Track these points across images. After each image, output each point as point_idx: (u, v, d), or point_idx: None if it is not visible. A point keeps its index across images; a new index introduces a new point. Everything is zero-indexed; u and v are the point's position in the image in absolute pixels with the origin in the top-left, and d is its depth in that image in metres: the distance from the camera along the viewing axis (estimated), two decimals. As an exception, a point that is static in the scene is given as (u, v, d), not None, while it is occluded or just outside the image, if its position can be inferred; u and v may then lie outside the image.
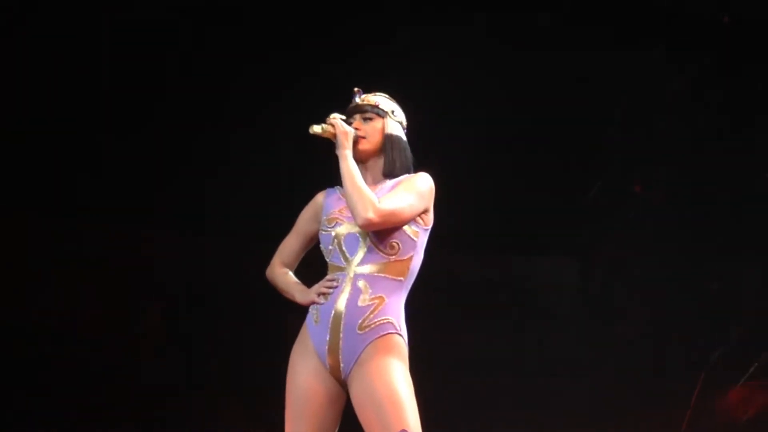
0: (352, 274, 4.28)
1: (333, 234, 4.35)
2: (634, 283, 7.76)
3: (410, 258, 4.31)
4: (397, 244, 4.29)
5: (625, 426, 7.55)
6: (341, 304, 4.26)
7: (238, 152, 7.59)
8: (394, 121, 4.44)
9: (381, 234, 4.27)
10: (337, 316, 4.26)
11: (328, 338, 4.27)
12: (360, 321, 4.24)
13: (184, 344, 7.77)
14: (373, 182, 4.41)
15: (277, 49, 7.54)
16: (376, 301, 4.25)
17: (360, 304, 4.25)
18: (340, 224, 4.34)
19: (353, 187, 4.24)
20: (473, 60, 7.52)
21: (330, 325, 4.27)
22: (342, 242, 4.32)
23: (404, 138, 4.45)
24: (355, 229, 4.31)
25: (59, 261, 7.69)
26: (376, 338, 4.23)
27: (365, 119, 4.40)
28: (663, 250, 7.73)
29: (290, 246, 4.51)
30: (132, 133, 7.63)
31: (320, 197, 4.51)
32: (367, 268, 4.28)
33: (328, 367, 4.29)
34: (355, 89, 4.46)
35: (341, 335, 4.25)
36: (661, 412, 7.54)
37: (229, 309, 7.67)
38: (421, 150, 4.49)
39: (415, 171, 4.45)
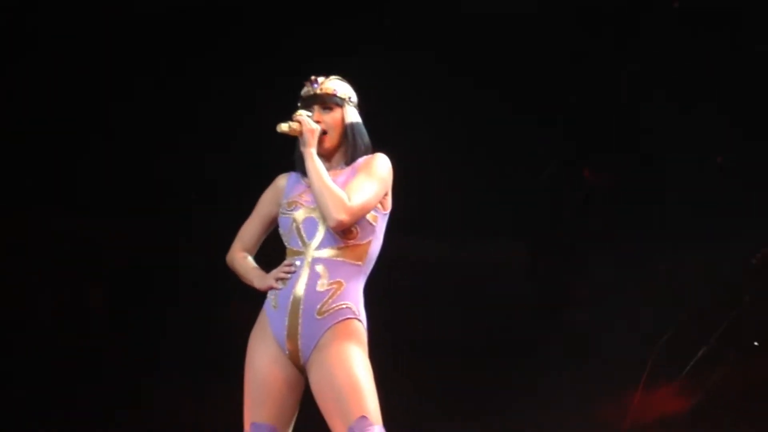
0: (310, 259, 4.30)
1: (291, 218, 4.36)
2: (584, 268, 7.78)
3: (369, 243, 4.34)
4: (356, 229, 4.32)
5: (573, 411, 7.58)
6: (300, 288, 4.27)
7: (222, 146, 7.54)
8: (352, 107, 4.46)
9: None
10: (296, 301, 4.27)
11: (286, 323, 4.28)
12: (319, 306, 4.25)
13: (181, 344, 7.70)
14: (334, 169, 4.42)
15: (267, 44, 7.51)
16: (335, 286, 4.27)
17: (318, 288, 4.26)
18: (299, 208, 4.36)
19: (322, 186, 4.25)
20: (425, 45, 7.53)
21: (289, 310, 4.28)
22: (300, 226, 4.34)
23: (360, 121, 4.47)
24: (314, 213, 4.33)
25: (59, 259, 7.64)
26: (335, 323, 4.25)
27: (325, 109, 4.42)
28: (613, 235, 7.76)
29: (250, 230, 4.53)
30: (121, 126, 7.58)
31: (282, 180, 4.53)
32: (326, 252, 4.29)
33: (287, 352, 4.30)
34: (312, 78, 4.46)
35: (300, 320, 4.26)
36: (609, 398, 7.58)
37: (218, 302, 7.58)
38: (372, 131, 4.51)
39: (376, 151, 4.47)
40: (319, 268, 4.28)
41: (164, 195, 7.64)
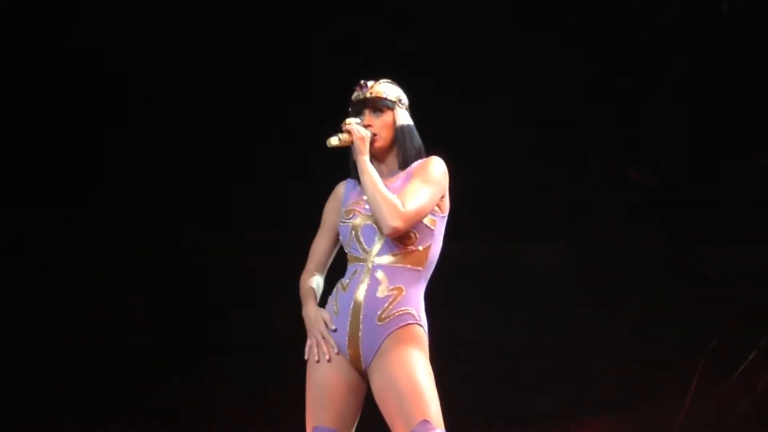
0: (370, 265, 4.28)
1: (350, 225, 4.35)
2: (632, 270, 7.73)
3: (428, 247, 4.31)
4: (414, 234, 4.29)
5: (624, 413, 7.54)
6: (360, 294, 4.26)
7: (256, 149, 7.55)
8: (403, 109, 4.44)
9: None
10: (357, 307, 4.26)
11: (348, 329, 4.27)
12: (379, 312, 4.23)
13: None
14: (389, 174, 4.40)
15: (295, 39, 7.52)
16: (395, 291, 4.25)
17: (379, 295, 4.24)
18: (357, 215, 4.34)
19: (376, 193, 4.23)
20: (472, 41, 7.52)
21: (350, 316, 4.26)
22: (359, 233, 4.32)
23: (412, 123, 4.44)
24: (372, 220, 4.31)
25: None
26: (396, 329, 4.23)
27: (375, 112, 4.39)
28: (660, 236, 7.72)
29: (320, 245, 4.50)
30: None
31: (340, 189, 4.51)
32: (386, 259, 4.27)
33: (348, 357, 4.28)
34: (362, 82, 4.44)
35: (361, 326, 4.25)
36: (660, 400, 7.53)
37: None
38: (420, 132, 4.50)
39: (427, 154, 4.44)
40: (379, 274, 4.26)
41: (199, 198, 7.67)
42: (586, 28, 7.60)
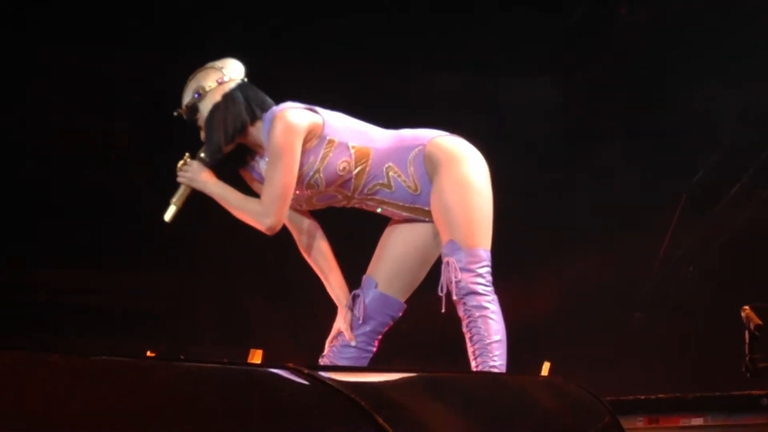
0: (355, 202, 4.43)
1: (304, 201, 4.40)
2: (614, 107, 7.69)
3: (352, 148, 4.31)
4: (338, 170, 4.31)
5: (605, 252, 7.56)
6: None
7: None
8: (206, 97, 4.31)
9: (323, 194, 4.33)
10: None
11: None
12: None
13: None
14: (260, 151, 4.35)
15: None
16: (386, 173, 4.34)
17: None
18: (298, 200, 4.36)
19: (235, 211, 4.25)
20: None
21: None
22: (318, 200, 4.39)
23: (217, 101, 4.32)
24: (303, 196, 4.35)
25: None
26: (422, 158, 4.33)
27: (197, 124, 4.33)
28: (645, 74, 7.67)
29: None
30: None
31: None
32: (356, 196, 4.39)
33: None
34: (174, 113, 4.37)
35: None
36: (641, 236, 7.56)
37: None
38: None
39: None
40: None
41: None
42: None
